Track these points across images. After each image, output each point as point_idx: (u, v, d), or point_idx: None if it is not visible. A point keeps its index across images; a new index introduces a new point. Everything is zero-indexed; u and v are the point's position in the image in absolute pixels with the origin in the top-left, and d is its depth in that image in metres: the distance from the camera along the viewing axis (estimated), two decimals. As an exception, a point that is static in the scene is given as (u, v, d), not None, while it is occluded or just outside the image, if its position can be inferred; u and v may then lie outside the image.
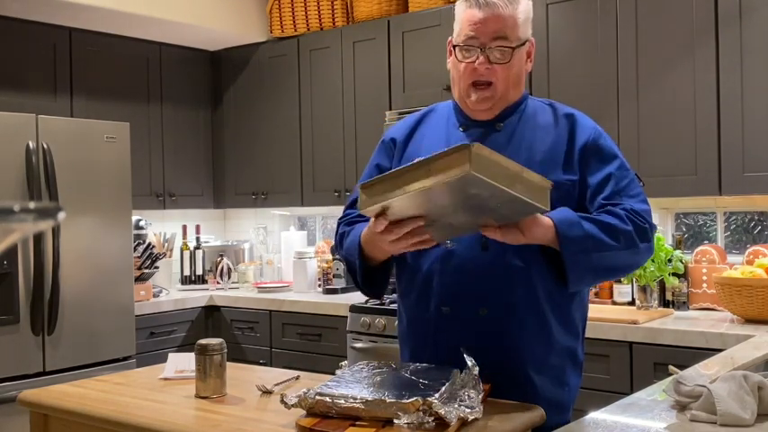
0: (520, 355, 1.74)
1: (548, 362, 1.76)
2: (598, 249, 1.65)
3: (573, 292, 1.77)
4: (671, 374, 1.78)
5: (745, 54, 2.93)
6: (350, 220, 1.93)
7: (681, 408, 1.54)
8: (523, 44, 1.78)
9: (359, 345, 3.50)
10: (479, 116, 1.82)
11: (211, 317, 4.23)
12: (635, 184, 1.78)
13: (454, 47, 1.79)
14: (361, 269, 1.83)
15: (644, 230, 1.70)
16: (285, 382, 1.95)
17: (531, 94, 3.39)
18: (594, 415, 1.56)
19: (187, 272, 4.48)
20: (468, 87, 1.77)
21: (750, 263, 3.00)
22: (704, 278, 3.10)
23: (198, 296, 4.21)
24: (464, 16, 1.76)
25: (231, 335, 4.10)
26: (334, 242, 2.03)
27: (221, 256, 4.51)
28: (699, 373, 1.65)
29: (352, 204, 1.94)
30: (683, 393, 1.54)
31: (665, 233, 3.39)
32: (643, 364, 2.79)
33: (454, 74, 1.81)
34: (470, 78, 1.76)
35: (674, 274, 3.07)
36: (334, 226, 4.67)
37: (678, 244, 3.24)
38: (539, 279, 1.74)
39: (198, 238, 4.56)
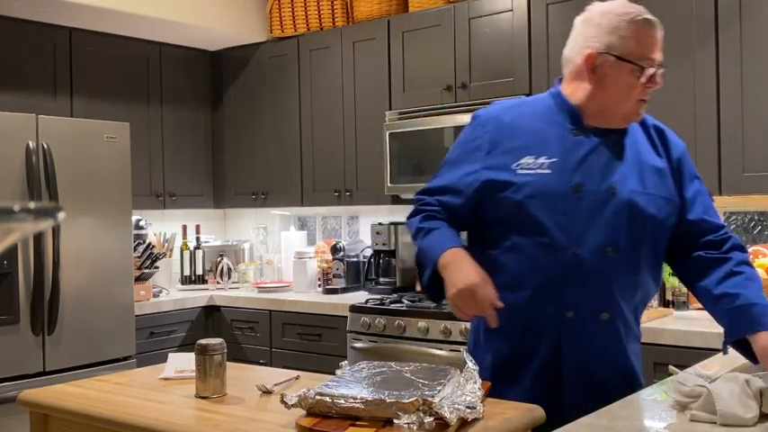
0: (629, 351, 1.84)
1: (637, 351, 1.90)
2: None
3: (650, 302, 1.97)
4: (671, 374, 1.78)
5: (745, 54, 2.93)
6: (431, 214, 1.86)
7: (681, 408, 1.54)
8: None
9: (359, 345, 3.50)
10: (621, 125, 1.84)
11: (211, 317, 4.23)
12: (710, 201, 1.90)
13: (630, 62, 1.76)
14: (430, 278, 1.81)
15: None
16: (285, 382, 1.95)
17: (531, 95, 3.42)
18: (594, 415, 1.56)
19: (187, 272, 4.48)
20: (638, 104, 1.80)
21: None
22: (704, 278, 3.10)
23: (198, 296, 4.21)
24: (642, 35, 1.77)
25: (231, 335, 4.10)
26: (411, 227, 1.89)
27: (221, 256, 4.51)
28: (699, 373, 1.65)
29: (434, 191, 1.89)
30: (683, 393, 1.54)
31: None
32: (643, 363, 2.78)
33: (621, 88, 1.78)
34: (642, 96, 1.79)
35: (675, 275, 3.07)
36: (336, 226, 4.66)
37: (678, 244, 3.24)
38: (648, 288, 1.87)
39: (198, 238, 4.55)
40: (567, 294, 1.77)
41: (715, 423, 1.44)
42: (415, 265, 1.92)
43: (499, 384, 1.81)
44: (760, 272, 2.81)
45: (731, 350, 1.77)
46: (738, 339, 1.73)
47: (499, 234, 1.82)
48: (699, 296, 1.87)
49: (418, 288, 3.84)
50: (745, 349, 1.71)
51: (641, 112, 1.82)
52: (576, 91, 1.85)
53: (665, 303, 3.17)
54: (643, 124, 1.89)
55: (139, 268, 4.00)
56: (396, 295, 3.75)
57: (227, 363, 1.89)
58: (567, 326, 1.76)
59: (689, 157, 1.91)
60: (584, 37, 1.83)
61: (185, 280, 4.48)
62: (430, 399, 1.46)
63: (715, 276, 1.80)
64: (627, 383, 1.82)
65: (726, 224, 1.89)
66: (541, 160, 1.78)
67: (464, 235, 1.90)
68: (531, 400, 1.73)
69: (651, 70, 1.76)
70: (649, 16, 1.77)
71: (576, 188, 1.76)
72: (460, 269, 1.71)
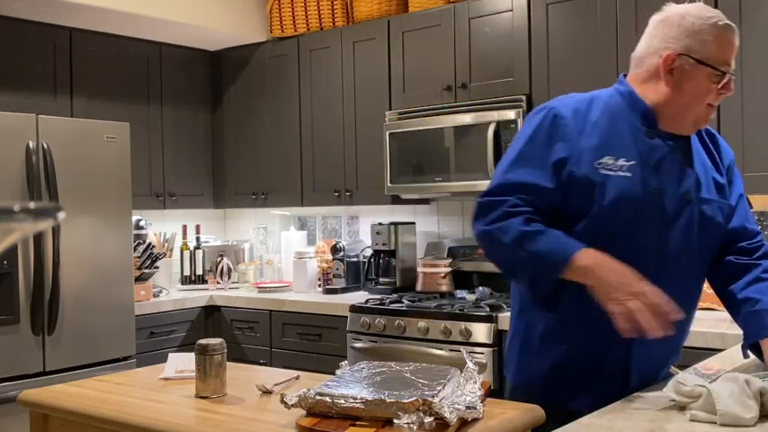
0: (675, 356, 1.90)
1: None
2: None
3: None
4: (671, 374, 1.78)
5: (745, 54, 2.92)
6: (529, 216, 1.69)
7: (681, 408, 1.54)
8: None
9: (359, 345, 3.50)
10: (689, 132, 1.82)
11: (211, 317, 4.23)
12: (749, 207, 1.92)
13: (710, 66, 1.73)
14: (552, 282, 1.71)
15: None
16: (285, 382, 1.95)
17: (531, 95, 3.43)
18: (594, 415, 1.56)
19: (187, 272, 4.48)
20: (708, 110, 1.77)
21: None
22: (704, 278, 3.10)
23: (198, 296, 4.21)
24: (723, 40, 1.73)
25: (231, 335, 4.10)
26: (508, 232, 1.67)
27: (221, 256, 4.51)
28: (699, 373, 1.65)
29: (514, 188, 1.71)
30: (683, 393, 1.54)
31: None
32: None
33: (698, 91, 1.74)
34: (714, 101, 1.76)
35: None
36: (336, 226, 4.65)
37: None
38: (700, 290, 1.90)
39: (198, 238, 4.55)
40: None
41: (715, 423, 1.44)
42: (512, 272, 1.77)
43: (558, 391, 1.78)
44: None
45: (732, 351, 1.77)
46: (755, 343, 1.73)
47: (578, 231, 1.72)
48: (724, 300, 1.86)
49: (418, 288, 3.84)
50: (761, 354, 1.73)
51: (710, 118, 1.80)
52: (650, 92, 1.79)
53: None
54: (698, 130, 1.89)
55: (139, 268, 4.00)
56: (396, 295, 3.75)
57: (227, 363, 1.89)
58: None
59: (735, 164, 1.94)
60: (661, 37, 1.77)
61: (185, 280, 4.48)
62: (430, 399, 1.46)
63: (741, 282, 1.81)
64: None
65: (761, 231, 1.90)
66: (621, 162, 1.72)
67: None
68: (597, 407, 1.64)
69: (728, 76, 1.74)
70: (729, 22, 1.75)
71: (656, 192, 1.74)
72: (618, 270, 1.60)
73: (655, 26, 1.80)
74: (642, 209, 1.72)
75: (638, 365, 1.76)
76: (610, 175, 1.71)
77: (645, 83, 1.80)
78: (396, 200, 3.97)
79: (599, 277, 1.60)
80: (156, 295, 4.10)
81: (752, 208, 1.93)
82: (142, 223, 4.26)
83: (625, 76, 1.85)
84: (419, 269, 3.89)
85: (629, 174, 1.72)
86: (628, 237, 1.72)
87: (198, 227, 4.60)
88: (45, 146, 3.37)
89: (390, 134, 3.81)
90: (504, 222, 1.69)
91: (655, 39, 1.78)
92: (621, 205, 1.70)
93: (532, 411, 1.64)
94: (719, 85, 1.74)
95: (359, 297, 3.85)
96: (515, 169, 1.74)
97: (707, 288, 1.92)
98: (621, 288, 1.58)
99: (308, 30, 4.28)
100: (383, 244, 4.02)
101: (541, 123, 1.76)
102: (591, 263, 1.61)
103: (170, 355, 2.18)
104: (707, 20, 1.73)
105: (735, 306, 1.80)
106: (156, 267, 4.15)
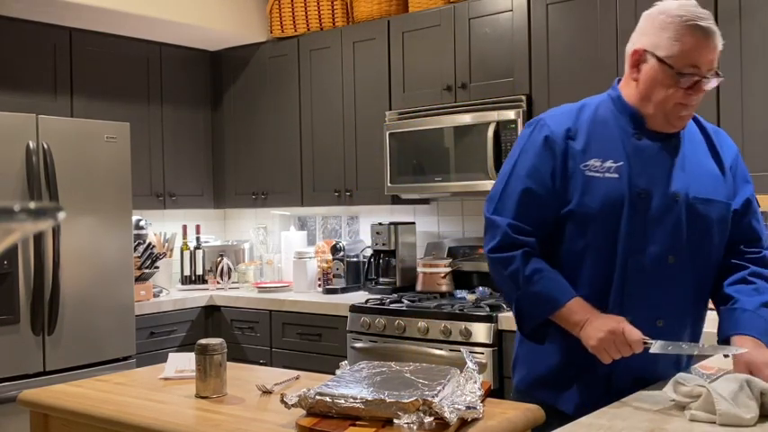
0: (676, 361, 1.82)
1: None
2: None
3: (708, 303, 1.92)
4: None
5: (745, 54, 2.93)
6: (528, 250, 1.77)
7: (680, 408, 1.54)
8: None
9: (359, 345, 3.50)
10: (667, 130, 1.80)
11: (211, 317, 4.23)
12: (758, 208, 1.89)
13: (669, 66, 1.71)
14: (539, 322, 1.81)
15: None
16: (285, 382, 1.95)
17: (531, 95, 3.43)
18: (594, 415, 1.56)
19: (187, 272, 4.48)
20: (676, 108, 1.75)
21: None
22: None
23: (198, 296, 4.21)
24: (689, 40, 1.70)
25: (231, 335, 4.10)
26: (509, 267, 1.78)
27: (221, 256, 4.51)
28: (698, 373, 1.65)
29: (513, 204, 1.79)
30: (682, 393, 1.54)
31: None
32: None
33: (658, 90, 1.74)
34: (683, 101, 1.74)
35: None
36: (336, 226, 4.65)
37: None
38: (704, 292, 1.86)
39: (198, 238, 4.56)
40: (624, 301, 1.76)
41: (714, 423, 1.44)
42: (509, 298, 1.86)
43: (550, 390, 1.82)
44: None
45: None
46: (727, 339, 1.76)
47: (568, 233, 1.78)
48: (713, 299, 1.89)
49: (418, 288, 3.84)
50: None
51: (682, 116, 1.77)
52: (627, 89, 1.82)
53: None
54: (701, 127, 1.88)
55: (139, 268, 4.00)
56: (396, 295, 3.75)
57: (227, 363, 1.89)
58: None
59: (742, 161, 1.91)
60: (638, 32, 1.80)
61: (185, 280, 4.48)
62: (430, 399, 1.46)
63: (727, 282, 1.82)
64: None
65: (763, 236, 1.87)
66: (608, 164, 1.75)
67: None
68: (580, 405, 1.72)
69: (690, 78, 1.70)
70: (704, 23, 1.70)
71: (642, 194, 1.74)
72: (598, 317, 1.69)
73: (641, 20, 1.82)
74: (626, 210, 1.73)
75: (624, 363, 1.74)
76: (596, 177, 1.74)
77: (627, 80, 1.83)
78: (396, 200, 3.97)
79: (578, 323, 1.71)
80: (156, 295, 4.10)
81: (759, 207, 1.91)
82: (142, 223, 4.26)
83: (619, 81, 1.87)
84: (419, 269, 3.89)
85: (616, 175, 1.74)
86: (615, 237, 1.74)
87: (198, 227, 4.60)
88: (45, 146, 3.37)
89: (390, 134, 3.81)
90: (505, 255, 1.78)
91: (635, 33, 1.81)
92: (607, 206, 1.73)
93: (532, 411, 1.64)
94: (685, 86, 1.71)
95: (359, 297, 3.85)
96: (509, 182, 1.82)
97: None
98: (597, 329, 1.67)
99: (308, 30, 4.28)
100: (383, 244, 4.02)
101: (529, 136, 1.83)
102: (575, 310, 1.72)
103: (170, 355, 2.18)
104: (678, 18, 1.71)
105: (717, 304, 1.85)
106: (157, 267, 4.15)
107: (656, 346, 1.65)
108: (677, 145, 1.81)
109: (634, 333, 1.64)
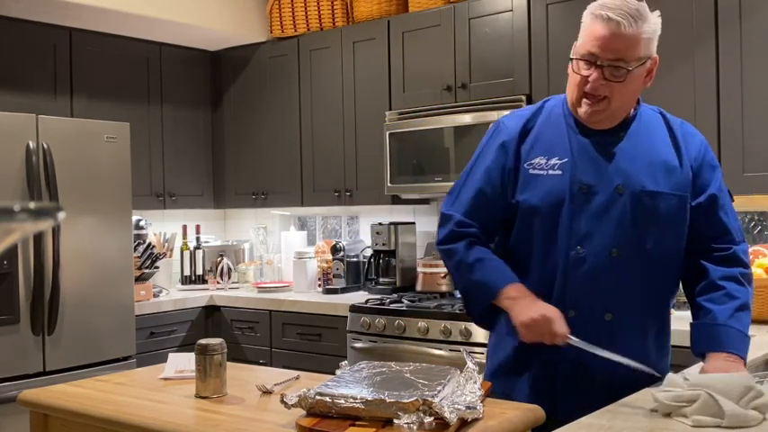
0: (640, 359, 1.77)
1: (659, 366, 1.83)
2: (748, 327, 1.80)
3: (670, 300, 1.92)
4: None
5: (745, 54, 2.93)
6: (473, 240, 1.88)
7: (664, 414, 1.52)
8: (643, 63, 1.76)
9: (359, 345, 3.50)
10: (593, 126, 1.82)
11: (211, 317, 4.23)
12: (729, 201, 1.87)
13: (571, 58, 1.78)
14: (483, 308, 1.90)
15: (751, 278, 1.85)
16: (285, 382, 1.95)
17: (531, 95, 3.42)
18: (594, 415, 1.56)
19: (187, 272, 4.48)
20: (580, 98, 1.79)
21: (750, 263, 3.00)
22: (704, 278, 3.09)
23: (198, 296, 4.21)
24: (588, 29, 1.75)
25: (231, 335, 4.10)
26: (454, 255, 1.89)
27: (221, 256, 4.51)
28: (686, 375, 1.61)
29: (466, 200, 1.90)
30: (670, 398, 1.51)
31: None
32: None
33: (570, 81, 1.82)
34: (582, 89, 1.77)
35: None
36: (336, 226, 4.65)
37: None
38: (661, 287, 1.85)
39: (198, 238, 4.55)
40: (567, 294, 1.79)
41: (719, 426, 1.43)
42: (457, 287, 1.99)
43: (506, 380, 1.87)
44: (760, 272, 2.80)
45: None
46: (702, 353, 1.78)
47: (516, 230, 1.87)
48: (688, 301, 1.91)
49: (418, 288, 3.84)
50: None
51: (585, 107, 1.79)
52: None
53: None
54: (665, 121, 1.88)
55: (139, 268, 4.00)
56: (396, 295, 3.75)
57: (227, 363, 1.89)
58: (569, 325, 1.76)
59: (711, 156, 1.87)
60: None
61: (185, 280, 4.48)
62: (430, 399, 1.46)
63: (698, 289, 1.83)
64: (639, 382, 1.75)
65: (732, 230, 1.85)
66: (553, 161, 1.81)
67: None
68: (531, 395, 1.78)
69: (585, 64, 1.74)
70: (610, 13, 1.70)
71: (584, 189, 1.78)
72: (535, 302, 1.76)
73: None
74: (568, 205, 1.78)
75: (572, 356, 1.76)
76: (539, 174, 1.81)
77: None
78: (396, 200, 3.97)
79: (516, 305, 1.78)
80: (156, 295, 4.10)
81: (733, 201, 1.89)
82: (142, 223, 4.26)
83: None
84: (419, 269, 3.89)
85: (559, 172, 1.80)
86: (557, 232, 1.78)
87: (198, 227, 4.60)
88: (45, 146, 3.37)
89: (390, 134, 3.81)
90: (450, 246, 1.89)
91: None
92: (547, 202, 1.79)
93: (532, 411, 1.64)
94: (586, 74, 1.75)
95: (359, 297, 3.85)
96: (466, 181, 1.92)
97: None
98: (528, 312, 1.74)
99: (308, 30, 4.28)
100: (383, 244, 4.02)
101: (489, 138, 1.92)
102: (514, 294, 1.79)
103: (170, 355, 2.18)
104: (589, 12, 1.76)
105: (692, 310, 1.87)
106: (157, 267, 4.15)
107: (576, 342, 1.71)
108: (626, 139, 1.82)
109: (562, 327, 1.71)
